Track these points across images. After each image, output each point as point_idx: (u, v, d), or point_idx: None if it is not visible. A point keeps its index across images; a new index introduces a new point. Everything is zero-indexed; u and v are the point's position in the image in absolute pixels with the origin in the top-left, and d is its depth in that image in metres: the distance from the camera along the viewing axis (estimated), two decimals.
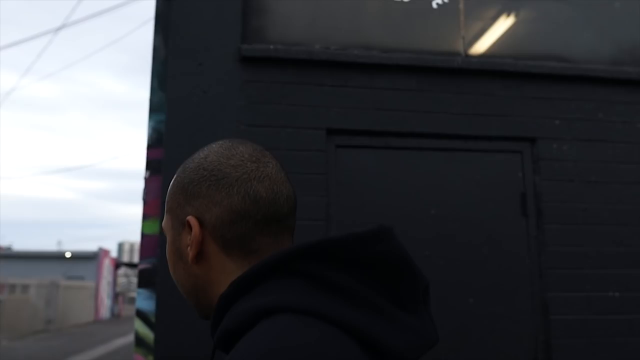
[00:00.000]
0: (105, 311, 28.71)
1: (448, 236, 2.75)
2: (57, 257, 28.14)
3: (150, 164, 2.99)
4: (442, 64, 2.85)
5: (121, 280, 34.64)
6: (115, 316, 30.27)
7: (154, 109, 3.05)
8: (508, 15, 3.09)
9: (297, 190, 2.60)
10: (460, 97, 2.86)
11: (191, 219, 0.74)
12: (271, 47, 2.71)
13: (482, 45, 3.01)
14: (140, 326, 3.13)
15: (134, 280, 54.52)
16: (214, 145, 0.79)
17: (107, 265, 29.51)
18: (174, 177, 0.80)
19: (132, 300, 45.69)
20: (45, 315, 21.17)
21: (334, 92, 2.75)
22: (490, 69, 2.88)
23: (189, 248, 0.75)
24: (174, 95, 2.62)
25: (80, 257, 28.06)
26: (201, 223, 0.74)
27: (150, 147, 3.02)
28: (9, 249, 31.57)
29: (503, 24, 3.07)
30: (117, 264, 32.92)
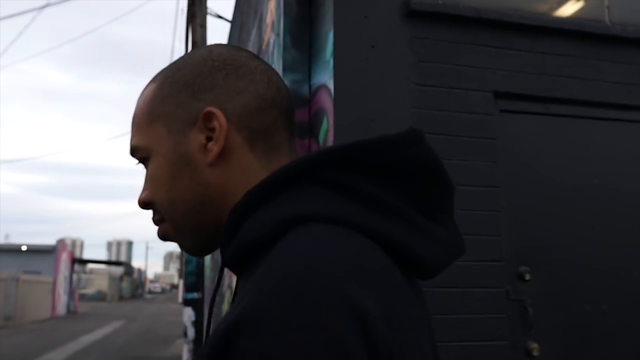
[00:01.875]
0: (61, 307, 27.50)
1: (610, 208, 2.67)
2: (11, 251, 26.70)
3: None
4: (601, 31, 2.76)
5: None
6: (71, 312, 29.02)
7: (287, 68, 2.83)
8: None
9: (468, 154, 2.47)
10: (615, 65, 2.78)
11: (213, 109, 0.66)
12: (439, 1, 2.55)
13: (627, 14, 2.95)
14: None
15: (84, 276, 52.91)
16: (207, 46, 0.74)
17: (64, 260, 28.26)
18: (156, 83, 0.71)
19: (82, 297, 44.09)
20: (4, 311, 20.06)
21: (499, 54, 2.61)
22: None
23: (209, 144, 0.66)
24: (342, 49, 2.41)
25: (37, 251, 26.74)
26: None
27: None
28: None
29: None
30: (74, 259, 31.63)
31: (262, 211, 0.61)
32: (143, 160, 0.72)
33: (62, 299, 27.67)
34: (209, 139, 0.67)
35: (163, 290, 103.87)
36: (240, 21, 7.32)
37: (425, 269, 0.62)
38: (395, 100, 2.43)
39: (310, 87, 2.82)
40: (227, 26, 10.30)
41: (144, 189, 0.72)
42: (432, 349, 0.63)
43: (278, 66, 2.93)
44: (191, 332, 7.73)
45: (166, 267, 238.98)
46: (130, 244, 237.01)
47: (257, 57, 0.73)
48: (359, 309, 0.49)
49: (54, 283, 25.90)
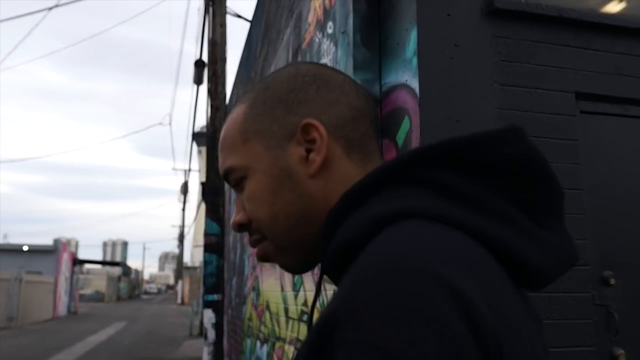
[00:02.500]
0: (62, 308, 27.33)
1: None
2: (12, 251, 26.49)
3: None
4: None
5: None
6: (72, 313, 28.85)
7: (358, 67, 2.77)
8: None
9: (551, 156, 2.42)
10: None
11: (313, 121, 0.67)
12: (522, 0, 2.50)
13: None
14: None
15: (81, 277, 52.60)
16: (290, 64, 0.75)
17: (65, 260, 28.08)
18: (246, 103, 0.72)
19: (80, 298, 43.81)
20: (7, 311, 19.89)
21: (580, 54, 2.56)
22: None
23: (311, 156, 0.67)
24: (426, 48, 2.36)
25: (38, 251, 26.53)
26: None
27: None
28: None
29: None
30: (75, 260, 31.44)
31: (357, 213, 0.60)
32: (239, 181, 0.71)
33: (63, 299, 27.51)
34: (308, 150, 0.68)
35: (159, 291, 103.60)
36: (264, 20, 7.27)
37: (531, 274, 0.58)
38: (480, 101, 2.38)
39: (381, 86, 2.76)
40: (243, 26, 10.27)
41: (239, 210, 0.72)
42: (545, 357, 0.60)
43: (343, 65, 2.88)
44: (211, 334, 7.65)
45: (161, 268, 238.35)
46: (125, 244, 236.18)
47: (339, 70, 0.75)
48: (461, 293, 0.47)
49: (55, 283, 25.72)
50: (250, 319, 7.35)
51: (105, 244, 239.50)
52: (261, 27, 7.44)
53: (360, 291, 0.48)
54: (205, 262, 7.87)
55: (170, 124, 22.46)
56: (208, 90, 8.19)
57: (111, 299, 50.23)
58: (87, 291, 49.84)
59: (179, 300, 45.72)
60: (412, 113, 2.37)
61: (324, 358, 0.50)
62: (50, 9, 12.86)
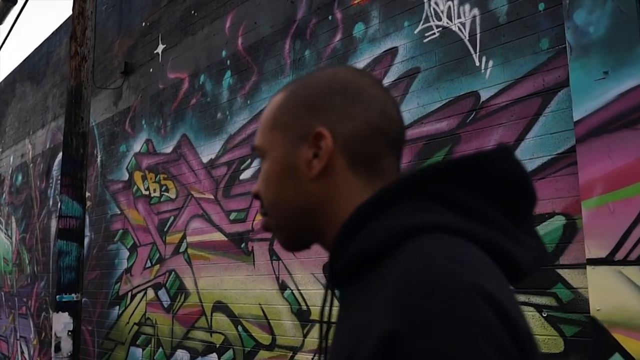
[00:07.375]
0: None
1: None
2: None
3: None
4: None
5: None
6: None
7: None
8: None
9: None
10: None
11: (323, 130, 0.72)
12: None
13: None
14: None
15: None
16: (339, 67, 0.85)
17: None
18: (285, 93, 0.78)
19: None
20: None
21: None
22: None
23: (314, 161, 0.73)
24: None
25: None
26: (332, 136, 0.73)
27: None
28: None
29: None
30: None
31: (376, 224, 0.65)
32: (260, 157, 0.79)
33: None
34: (315, 155, 0.73)
35: None
36: None
37: (519, 273, 0.67)
38: None
39: None
40: None
41: (258, 182, 0.80)
42: None
43: (602, 31, 2.40)
44: (67, 345, 5.86)
45: None
46: None
47: (379, 85, 0.77)
48: (493, 297, 0.56)
49: None
50: (148, 324, 5.90)
51: None
52: None
53: (421, 304, 0.55)
54: (61, 253, 6.10)
55: None
56: (72, 33, 6.42)
57: None
58: None
59: None
60: None
61: None
62: None
